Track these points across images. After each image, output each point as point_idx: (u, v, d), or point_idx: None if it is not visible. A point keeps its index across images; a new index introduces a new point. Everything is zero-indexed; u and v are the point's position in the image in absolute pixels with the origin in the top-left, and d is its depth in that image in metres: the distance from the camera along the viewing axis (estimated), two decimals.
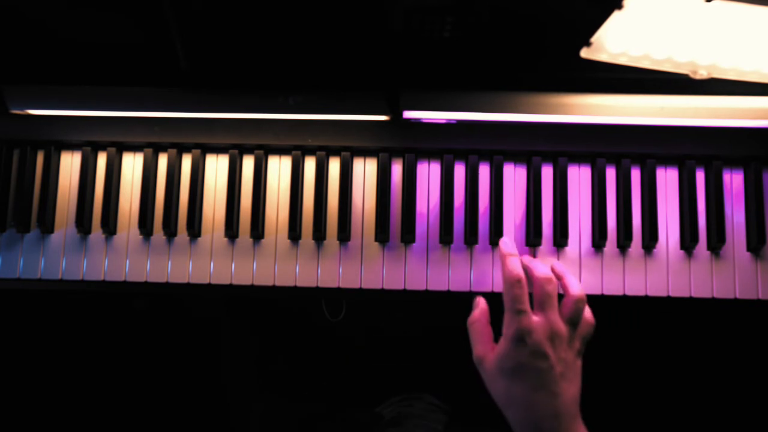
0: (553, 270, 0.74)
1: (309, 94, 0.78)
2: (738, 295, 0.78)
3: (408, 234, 0.79)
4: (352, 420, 0.94)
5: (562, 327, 0.69)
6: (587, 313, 0.72)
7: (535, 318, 0.68)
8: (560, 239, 0.79)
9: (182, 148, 0.82)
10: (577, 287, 0.71)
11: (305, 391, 0.93)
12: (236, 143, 0.81)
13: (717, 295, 0.79)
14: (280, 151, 0.82)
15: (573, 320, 0.70)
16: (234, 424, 1.09)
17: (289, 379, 1.04)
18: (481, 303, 0.75)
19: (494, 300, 0.77)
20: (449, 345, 0.79)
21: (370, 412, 0.93)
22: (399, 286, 0.79)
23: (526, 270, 0.73)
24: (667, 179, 0.81)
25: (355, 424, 0.91)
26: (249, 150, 0.82)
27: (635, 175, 0.81)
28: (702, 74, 0.67)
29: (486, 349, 0.71)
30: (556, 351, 0.67)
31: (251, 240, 0.80)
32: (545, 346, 0.67)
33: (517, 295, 0.69)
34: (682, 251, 0.80)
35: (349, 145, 0.81)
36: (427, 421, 0.92)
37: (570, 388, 0.67)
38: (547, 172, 0.81)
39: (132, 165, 0.82)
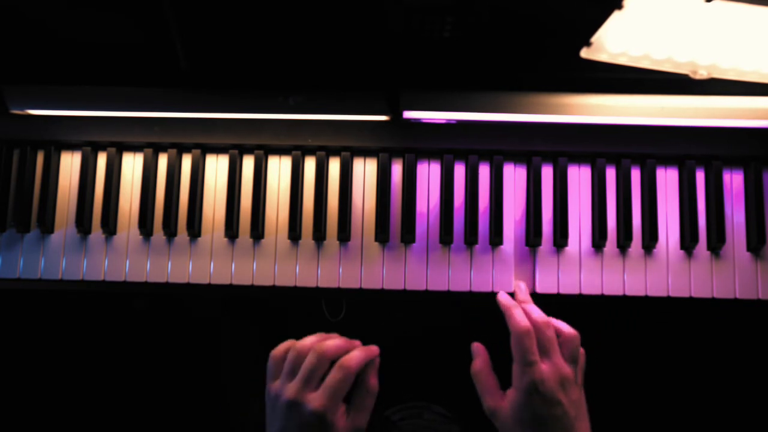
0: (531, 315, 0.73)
1: (309, 94, 0.78)
2: (738, 295, 0.78)
3: (408, 234, 0.79)
4: None
5: (568, 370, 0.69)
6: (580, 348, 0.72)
7: (544, 366, 0.68)
8: (560, 239, 0.79)
9: (182, 148, 0.82)
10: (567, 326, 0.72)
11: None
12: (236, 143, 0.81)
13: (717, 295, 0.79)
14: (280, 151, 0.82)
15: (573, 358, 0.70)
16: (234, 424, 1.09)
17: None
18: (480, 351, 0.74)
19: (492, 300, 0.77)
20: (449, 345, 0.79)
21: (378, 415, 0.93)
22: (399, 286, 0.79)
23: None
24: (667, 179, 0.81)
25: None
26: (249, 150, 0.82)
27: (635, 175, 0.81)
28: (702, 74, 0.67)
29: (496, 400, 0.71)
30: (567, 395, 0.68)
31: (251, 240, 0.80)
32: (558, 393, 0.68)
33: (527, 346, 0.69)
34: (682, 251, 0.80)
35: (349, 145, 0.80)
36: None
37: (583, 426, 0.69)
38: (547, 172, 0.81)
39: (132, 165, 0.82)
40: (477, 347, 0.75)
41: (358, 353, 0.68)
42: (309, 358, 0.67)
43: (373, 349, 0.71)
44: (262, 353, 0.72)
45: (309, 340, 0.69)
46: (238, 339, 1.11)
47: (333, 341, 0.69)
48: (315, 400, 0.65)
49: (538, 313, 0.72)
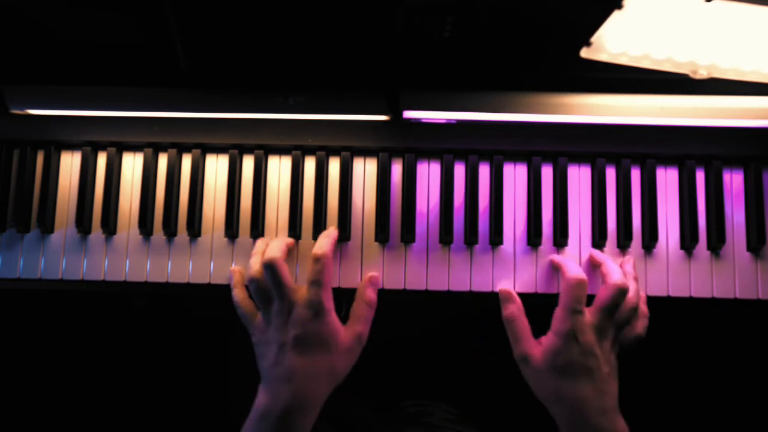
0: (592, 258, 0.76)
1: (309, 94, 0.78)
2: (738, 295, 0.78)
3: (408, 234, 0.79)
4: (380, 415, 0.93)
5: (609, 329, 0.70)
6: (630, 304, 0.72)
7: (588, 317, 0.70)
8: (560, 239, 0.79)
9: (182, 148, 0.82)
10: (617, 275, 0.72)
11: None
12: (236, 143, 0.81)
13: (717, 295, 0.79)
14: (280, 151, 0.82)
15: (610, 310, 0.70)
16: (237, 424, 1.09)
17: None
18: (515, 297, 0.75)
19: (493, 300, 0.77)
20: (450, 345, 0.79)
21: (395, 407, 0.92)
22: (399, 285, 0.79)
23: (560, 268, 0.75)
24: (667, 179, 0.81)
25: (383, 420, 0.91)
26: (249, 150, 0.82)
27: (635, 175, 0.81)
28: (702, 74, 0.67)
29: (530, 346, 0.71)
30: (603, 351, 0.69)
31: (251, 240, 0.80)
32: (595, 346, 0.69)
33: (578, 295, 0.70)
34: (682, 251, 0.80)
35: (349, 145, 0.80)
36: None
37: (614, 385, 0.70)
38: (547, 172, 0.81)
39: (132, 165, 0.82)
40: (506, 292, 0.75)
41: (323, 240, 0.74)
42: (267, 274, 0.71)
43: (331, 232, 0.76)
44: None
45: (253, 261, 0.74)
46: (243, 339, 1.12)
47: (274, 244, 0.74)
48: (304, 294, 0.71)
49: (576, 269, 0.73)
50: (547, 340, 0.71)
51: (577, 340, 0.68)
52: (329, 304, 0.72)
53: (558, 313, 0.71)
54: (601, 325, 0.70)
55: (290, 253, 0.79)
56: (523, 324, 0.73)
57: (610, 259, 0.76)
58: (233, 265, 0.80)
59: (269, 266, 0.72)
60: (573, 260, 0.77)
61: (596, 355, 0.68)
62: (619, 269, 0.73)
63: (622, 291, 0.70)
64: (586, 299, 0.70)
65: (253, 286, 0.73)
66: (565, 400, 0.68)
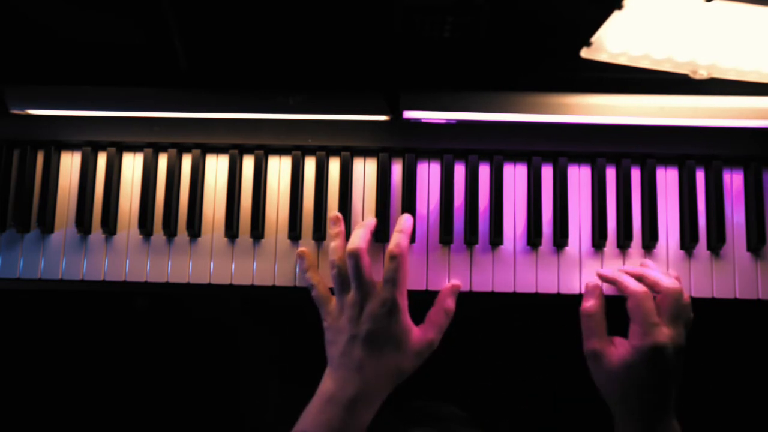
0: (630, 273, 0.75)
1: (309, 94, 0.78)
2: (738, 295, 0.78)
3: None
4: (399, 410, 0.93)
5: (682, 337, 0.70)
6: (687, 301, 0.72)
7: (665, 330, 0.69)
8: (560, 239, 0.79)
9: (182, 148, 0.82)
10: (667, 281, 0.72)
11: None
12: (236, 143, 0.81)
13: (717, 295, 0.79)
14: (280, 151, 0.82)
15: (678, 316, 0.70)
16: (246, 425, 1.09)
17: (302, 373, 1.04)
18: (597, 290, 0.75)
19: (493, 300, 0.77)
20: (450, 345, 0.79)
21: (402, 410, 0.92)
22: None
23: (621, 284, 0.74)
24: (667, 179, 0.81)
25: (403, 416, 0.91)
26: (249, 150, 0.82)
27: (635, 174, 0.81)
28: (702, 74, 0.67)
29: (604, 344, 0.72)
30: (678, 365, 0.69)
31: (251, 240, 0.80)
32: (673, 361, 0.68)
33: (649, 308, 0.69)
34: (682, 251, 0.80)
35: (349, 145, 0.80)
36: None
37: (672, 396, 0.70)
38: (547, 172, 0.81)
39: (132, 165, 0.82)
40: (592, 287, 0.75)
41: (398, 237, 0.73)
42: (350, 262, 0.71)
43: (406, 219, 0.76)
44: (265, 349, 0.73)
45: (334, 246, 0.74)
46: (248, 339, 1.12)
47: (359, 232, 0.73)
48: (379, 291, 0.71)
49: (635, 284, 0.72)
50: (626, 349, 0.70)
51: (662, 356, 0.68)
52: (403, 303, 0.72)
53: (633, 329, 0.70)
54: (681, 341, 0.70)
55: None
56: (601, 321, 0.73)
57: (651, 269, 0.76)
58: (233, 264, 0.80)
59: (353, 255, 0.71)
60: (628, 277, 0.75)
61: (671, 373, 0.68)
62: (662, 274, 0.73)
63: (679, 292, 0.71)
64: (655, 309, 0.70)
65: (335, 272, 0.73)
66: (631, 400, 0.69)
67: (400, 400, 0.69)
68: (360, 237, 0.73)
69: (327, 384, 0.71)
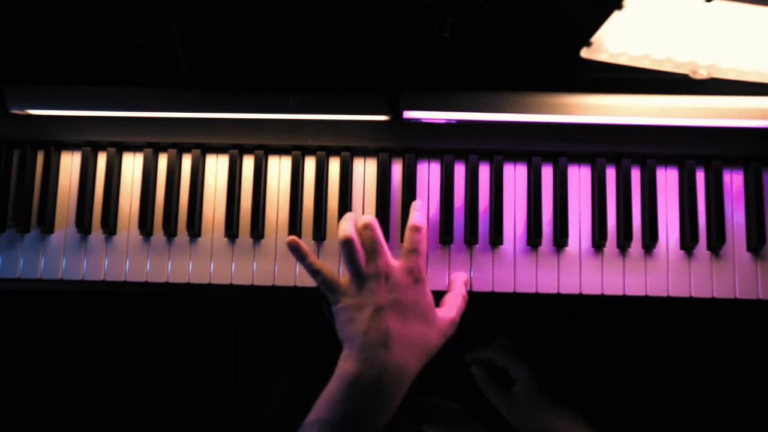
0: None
1: (309, 94, 0.78)
2: (738, 295, 0.78)
3: None
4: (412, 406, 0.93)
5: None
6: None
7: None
8: (560, 239, 0.79)
9: (182, 148, 0.82)
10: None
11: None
12: (236, 143, 0.81)
13: (717, 295, 0.79)
14: (280, 151, 0.82)
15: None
16: (245, 425, 1.09)
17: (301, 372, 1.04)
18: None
19: (493, 300, 0.77)
20: (450, 344, 0.79)
21: (407, 407, 0.92)
22: None
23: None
24: (667, 179, 0.81)
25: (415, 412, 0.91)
26: (249, 150, 0.82)
27: (635, 175, 0.81)
28: (702, 74, 0.67)
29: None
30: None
31: (251, 240, 0.80)
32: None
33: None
34: (682, 251, 0.80)
35: (349, 145, 0.81)
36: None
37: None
38: (547, 172, 0.81)
39: (132, 165, 0.82)
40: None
41: (415, 215, 0.75)
42: (366, 234, 0.71)
43: (417, 201, 0.78)
44: (265, 353, 0.73)
45: (344, 227, 0.73)
46: (248, 339, 1.12)
47: (365, 215, 0.74)
48: (401, 261, 0.72)
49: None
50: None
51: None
52: (425, 276, 0.72)
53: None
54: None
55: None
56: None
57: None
58: (233, 264, 0.80)
59: (369, 226, 0.71)
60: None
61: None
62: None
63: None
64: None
65: (347, 248, 0.70)
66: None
67: (408, 397, 0.68)
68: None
69: (347, 366, 0.66)
